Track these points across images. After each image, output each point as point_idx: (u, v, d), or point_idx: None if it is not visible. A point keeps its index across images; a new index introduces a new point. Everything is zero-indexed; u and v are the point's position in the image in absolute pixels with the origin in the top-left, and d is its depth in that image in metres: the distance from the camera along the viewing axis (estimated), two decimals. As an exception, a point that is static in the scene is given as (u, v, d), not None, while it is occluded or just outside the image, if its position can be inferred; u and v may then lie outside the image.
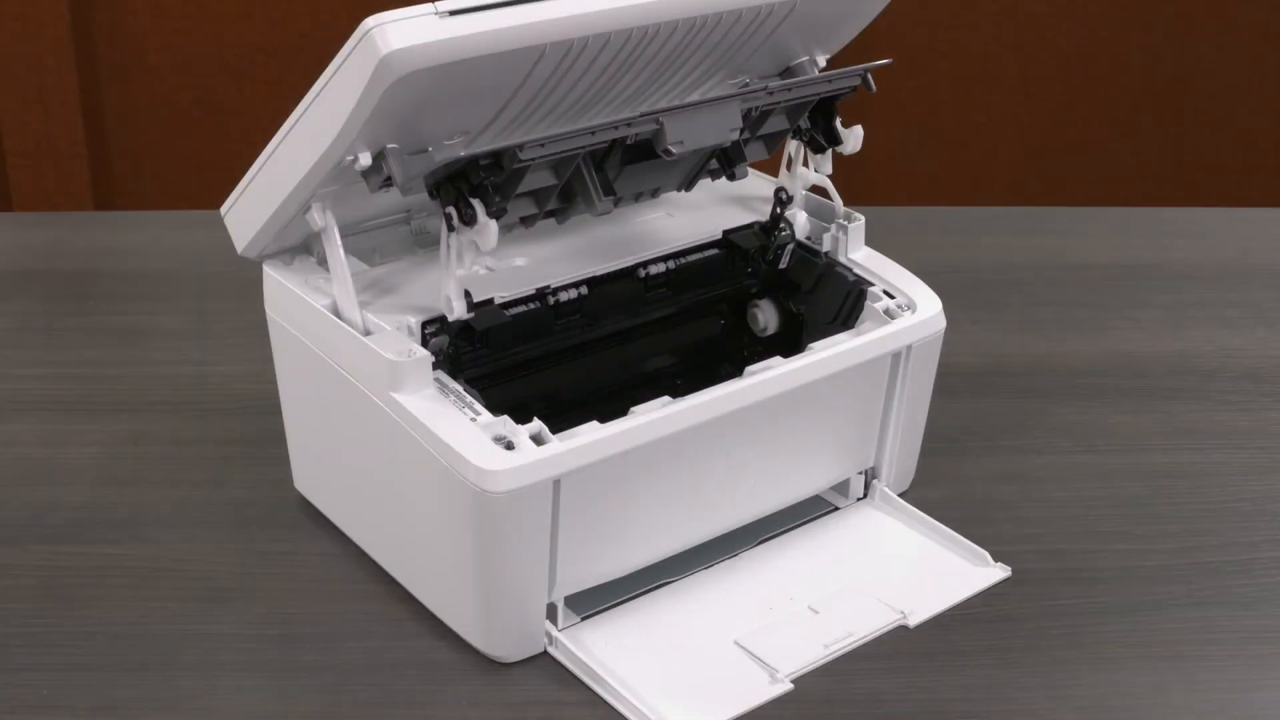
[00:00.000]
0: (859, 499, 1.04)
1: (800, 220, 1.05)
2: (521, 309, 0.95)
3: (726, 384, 0.90)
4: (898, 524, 1.02)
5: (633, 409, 0.88)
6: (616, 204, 0.94)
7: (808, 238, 1.05)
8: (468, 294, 0.90)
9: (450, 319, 0.90)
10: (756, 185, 1.09)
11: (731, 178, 1.00)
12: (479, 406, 0.86)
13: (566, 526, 0.87)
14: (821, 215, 1.06)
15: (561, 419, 0.89)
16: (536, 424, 0.85)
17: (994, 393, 1.19)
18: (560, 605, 0.90)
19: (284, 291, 0.95)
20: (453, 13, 0.79)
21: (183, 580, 0.97)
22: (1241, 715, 0.86)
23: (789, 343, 1.05)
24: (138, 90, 2.51)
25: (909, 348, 0.99)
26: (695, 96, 1.00)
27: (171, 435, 1.13)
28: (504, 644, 0.89)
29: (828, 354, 0.95)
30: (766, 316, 1.08)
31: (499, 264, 0.97)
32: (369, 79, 0.78)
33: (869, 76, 0.97)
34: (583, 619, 0.92)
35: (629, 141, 0.88)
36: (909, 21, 2.48)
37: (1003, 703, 0.87)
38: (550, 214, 0.92)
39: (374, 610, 0.94)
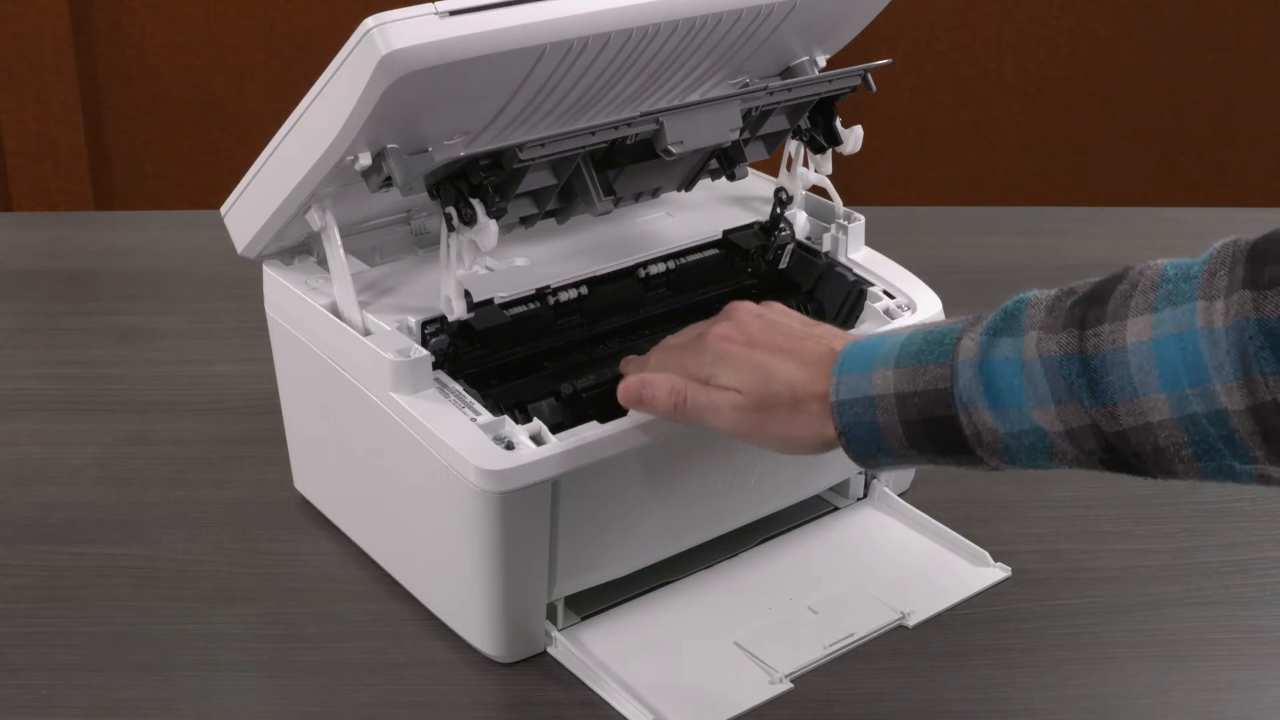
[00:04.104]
0: (859, 499, 1.04)
1: (800, 220, 1.05)
2: (521, 309, 0.95)
3: (726, 384, 0.90)
4: (898, 524, 1.02)
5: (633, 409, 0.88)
6: (616, 204, 0.94)
7: (808, 238, 1.05)
8: (468, 294, 0.90)
9: (450, 319, 0.90)
10: (756, 185, 1.09)
11: (731, 178, 1.00)
12: (479, 406, 0.86)
13: (566, 526, 0.87)
14: (821, 215, 1.06)
15: (561, 419, 0.89)
16: (536, 424, 0.85)
17: (994, 393, 1.19)
18: (560, 605, 0.90)
19: (284, 291, 0.95)
20: (453, 13, 0.79)
21: (183, 580, 0.97)
22: (1241, 715, 0.86)
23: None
24: (138, 90, 2.50)
25: (909, 348, 0.99)
26: (695, 96, 1.00)
27: (171, 435, 1.13)
28: (504, 644, 0.89)
29: (828, 354, 0.94)
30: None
31: (499, 264, 0.97)
32: (369, 79, 0.78)
33: (869, 76, 0.97)
34: (583, 619, 0.92)
35: (629, 141, 0.88)
36: (909, 21, 2.48)
37: (1003, 703, 0.87)
38: (550, 214, 0.92)
39: (374, 610, 0.94)
